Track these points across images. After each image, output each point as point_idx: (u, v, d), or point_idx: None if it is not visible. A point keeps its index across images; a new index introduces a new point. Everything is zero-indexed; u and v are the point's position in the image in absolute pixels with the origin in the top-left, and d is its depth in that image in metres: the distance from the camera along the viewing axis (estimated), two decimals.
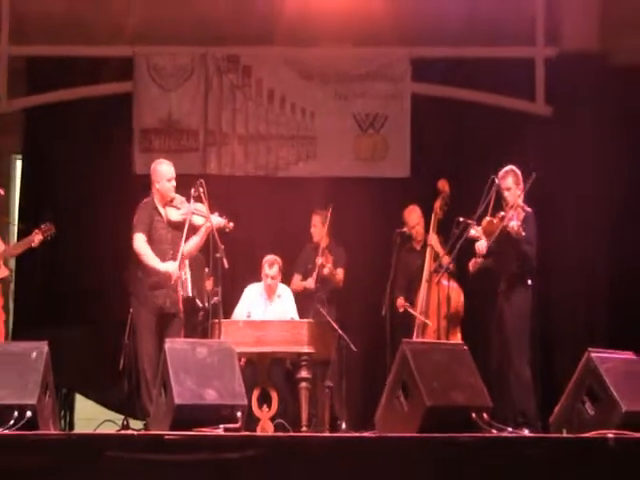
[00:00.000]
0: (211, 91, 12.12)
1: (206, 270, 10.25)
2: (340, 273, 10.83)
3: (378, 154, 12.03)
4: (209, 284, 10.28)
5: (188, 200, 9.25)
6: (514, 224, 9.11)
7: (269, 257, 10.56)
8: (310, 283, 10.73)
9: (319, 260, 10.69)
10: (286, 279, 10.88)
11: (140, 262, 9.20)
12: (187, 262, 9.89)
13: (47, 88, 12.21)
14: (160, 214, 9.32)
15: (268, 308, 10.57)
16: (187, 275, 10.10)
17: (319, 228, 10.90)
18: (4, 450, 6.62)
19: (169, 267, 9.13)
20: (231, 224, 9.40)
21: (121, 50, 12.06)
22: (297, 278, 10.95)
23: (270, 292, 10.61)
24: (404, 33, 11.84)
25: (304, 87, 12.12)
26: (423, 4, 11.78)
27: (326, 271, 10.67)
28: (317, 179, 11.92)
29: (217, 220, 9.34)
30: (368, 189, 11.90)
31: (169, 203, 9.33)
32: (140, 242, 9.19)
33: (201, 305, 10.21)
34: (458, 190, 10.45)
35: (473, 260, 9.52)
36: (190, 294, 10.09)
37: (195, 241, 9.36)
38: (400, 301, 10.42)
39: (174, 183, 9.36)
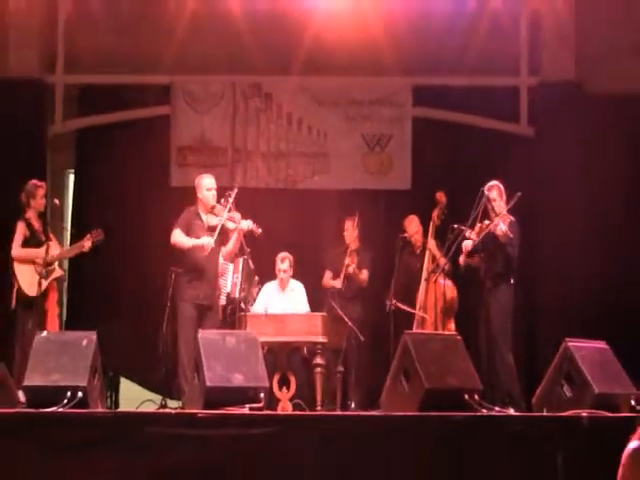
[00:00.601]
0: (238, 114, 12.13)
1: (256, 278, 10.31)
2: (365, 274, 10.76)
3: (383, 169, 12.02)
4: (255, 291, 10.34)
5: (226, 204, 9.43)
6: (502, 227, 9.23)
7: (281, 254, 10.62)
8: (337, 283, 10.70)
9: (347, 260, 10.69)
10: (312, 276, 10.90)
11: (179, 249, 9.38)
12: (240, 267, 9.93)
13: (96, 111, 12.21)
14: (201, 219, 9.56)
15: (281, 299, 10.57)
16: (238, 279, 10.12)
17: (350, 232, 10.88)
18: (59, 426, 6.64)
19: (204, 240, 9.29)
20: (259, 229, 9.46)
21: (161, 79, 12.05)
22: (328, 275, 10.90)
23: (283, 285, 10.63)
24: (406, 65, 11.83)
25: (318, 111, 12.11)
26: (423, 40, 11.74)
27: (350, 270, 10.65)
28: (330, 191, 11.93)
29: (248, 224, 9.42)
30: (374, 199, 11.92)
31: (211, 211, 9.47)
32: (177, 233, 9.40)
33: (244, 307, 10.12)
34: (453, 201, 10.43)
35: (461, 256, 9.58)
36: (237, 295, 10.06)
37: (230, 245, 9.58)
38: (391, 301, 10.34)
39: (214, 193, 9.60)
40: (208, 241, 9.30)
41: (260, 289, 10.54)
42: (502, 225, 9.28)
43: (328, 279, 10.87)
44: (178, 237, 9.40)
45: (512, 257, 9.35)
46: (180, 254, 9.48)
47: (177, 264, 9.48)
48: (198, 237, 9.40)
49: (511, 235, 9.28)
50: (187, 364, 8.82)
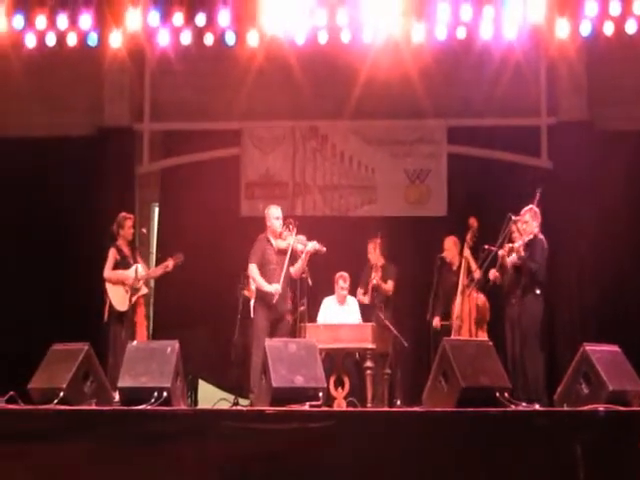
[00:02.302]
0: (298, 153, 12.16)
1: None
2: (390, 284, 10.69)
3: (423, 199, 11.97)
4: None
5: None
6: (517, 246, 9.20)
7: (341, 273, 10.61)
8: (366, 298, 10.67)
9: (372, 275, 10.65)
10: (352, 292, 10.84)
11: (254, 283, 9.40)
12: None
13: (177, 153, 12.34)
14: (271, 244, 9.57)
15: (340, 312, 10.57)
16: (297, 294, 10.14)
17: (372, 252, 10.84)
18: (148, 421, 6.67)
19: (272, 288, 9.30)
20: (324, 248, 9.49)
21: (232, 125, 12.14)
22: (360, 291, 10.86)
23: (342, 300, 10.62)
24: (441, 109, 11.83)
25: (367, 149, 12.11)
26: (455, 87, 11.77)
27: (374, 282, 10.61)
28: (377, 218, 11.88)
29: (314, 245, 9.44)
30: (415, 225, 11.86)
31: (279, 236, 9.49)
32: (254, 270, 9.41)
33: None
34: (483, 225, 10.36)
35: (492, 272, 9.48)
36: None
37: (299, 264, 9.54)
38: (435, 321, 10.31)
39: (281, 221, 9.63)
40: (276, 289, 9.33)
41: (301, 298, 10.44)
42: (518, 244, 9.23)
43: (360, 295, 10.83)
44: (254, 275, 9.44)
45: (534, 271, 9.20)
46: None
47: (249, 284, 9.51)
48: (270, 260, 9.45)
49: (522, 253, 9.18)
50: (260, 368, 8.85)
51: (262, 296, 9.40)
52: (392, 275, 10.76)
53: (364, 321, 10.38)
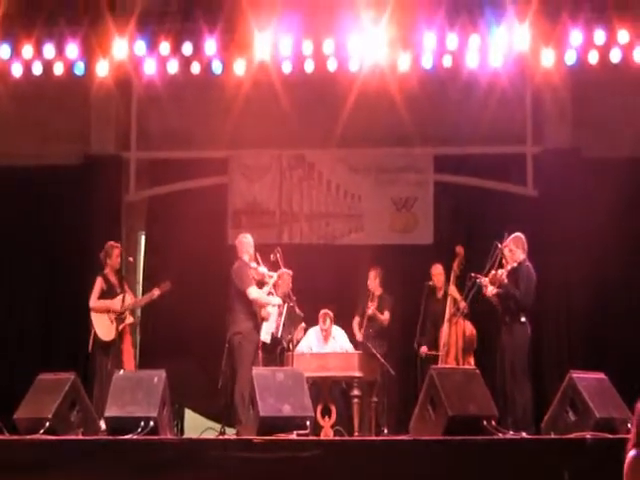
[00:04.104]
0: (284, 181, 12.18)
1: (302, 325, 10.31)
2: (386, 314, 10.68)
3: (409, 227, 11.98)
4: (299, 333, 10.31)
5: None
6: (500, 273, 9.24)
7: (322, 312, 10.55)
8: (359, 335, 10.56)
9: (369, 304, 10.68)
10: (345, 320, 10.81)
11: (258, 304, 9.46)
12: (284, 311, 9.97)
13: (164, 182, 12.35)
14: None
15: (324, 348, 10.53)
16: (281, 320, 10.15)
17: (372, 280, 10.84)
18: (134, 450, 6.67)
19: (277, 300, 9.66)
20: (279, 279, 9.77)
21: (218, 153, 12.15)
22: (356, 320, 10.82)
23: (326, 337, 10.59)
24: (427, 137, 11.86)
25: (353, 178, 12.12)
26: (441, 116, 11.80)
27: (369, 312, 10.62)
28: (364, 246, 11.90)
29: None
30: (402, 253, 11.86)
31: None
32: (255, 291, 9.42)
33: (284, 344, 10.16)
34: (470, 253, 10.40)
35: (490, 290, 9.43)
36: (279, 336, 10.09)
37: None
38: (423, 349, 10.32)
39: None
40: (279, 301, 9.57)
41: (305, 332, 10.53)
42: (500, 271, 9.27)
43: (356, 323, 10.82)
44: (258, 294, 9.45)
45: (517, 298, 9.21)
46: (243, 305, 9.51)
47: (245, 312, 9.49)
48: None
49: (505, 280, 9.22)
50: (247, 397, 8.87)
51: (252, 321, 9.45)
52: (388, 306, 10.77)
53: (356, 349, 10.38)
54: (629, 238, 11.29)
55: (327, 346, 10.52)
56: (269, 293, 9.59)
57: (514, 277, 9.27)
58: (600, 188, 11.17)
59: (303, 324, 10.38)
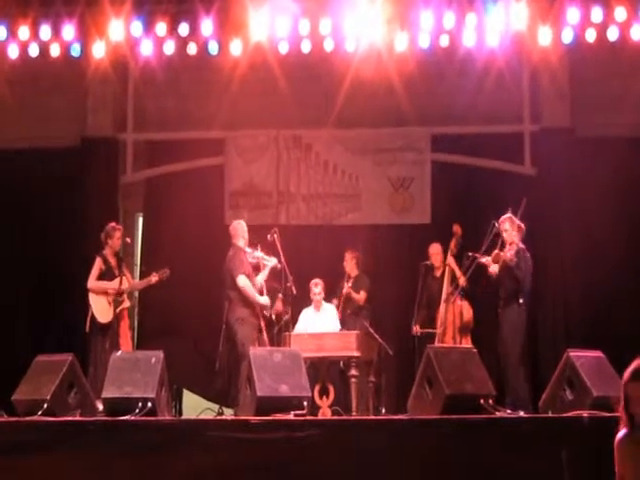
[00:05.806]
0: (281, 162, 12.16)
1: (279, 295, 10.31)
2: (362, 294, 10.70)
3: (407, 206, 11.97)
4: (279, 304, 10.32)
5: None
6: (508, 254, 9.15)
7: (315, 280, 10.60)
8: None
9: (345, 285, 10.68)
10: (329, 299, 10.83)
11: (245, 295, 9.46)
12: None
13: (161, 163, 12.33)
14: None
15: (316, 319, 10.55)
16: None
17: (348, 262, 10.87)
18: (132, 431, 6.67)
19: (263, 300, 9.54)
20: (279, 265, 9.77)
21: (215, 134, 12.12)
22: (334, 302, 10.83)
23: (317, 306, 10.61)
24: (424, 117, 11.86)
25: (351, 158, 12.11)
26: (438, 95, 11.78)
27: (344, 291, 10.65)
28: (361, 226, 11.91)
29: (274, 261, 9.78)
30: (399, 233, 11.89)
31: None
32: (244, 280, 9.47)
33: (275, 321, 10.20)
34: (467, 232, 10.39)
35: (491, 268, 9.44)
36: (268, 314, 10.11)
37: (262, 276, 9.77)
38: (416, 328, 10.33)
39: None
40: (266, 301, 9.59)
41: (283, 303, 10.52)
42: (508, 252, 9.23)
43: (334, 303, 10.82)
44: (247, 286, 9.50)
45: (519, 279, 9.22)
46: (239, 292, 9.54)
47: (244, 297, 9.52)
48: (250, 274, 9.57)
49: (515, 259, 9.18)
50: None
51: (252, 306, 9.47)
52: (364, 286, 10.78)
53: (342, 329, 10.39)
54: (627, 217, 11.29)
55: (319, 316, 10.53)
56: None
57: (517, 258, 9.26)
58: (598, 167, 11.18)
59: (280, 294, 10.30)
